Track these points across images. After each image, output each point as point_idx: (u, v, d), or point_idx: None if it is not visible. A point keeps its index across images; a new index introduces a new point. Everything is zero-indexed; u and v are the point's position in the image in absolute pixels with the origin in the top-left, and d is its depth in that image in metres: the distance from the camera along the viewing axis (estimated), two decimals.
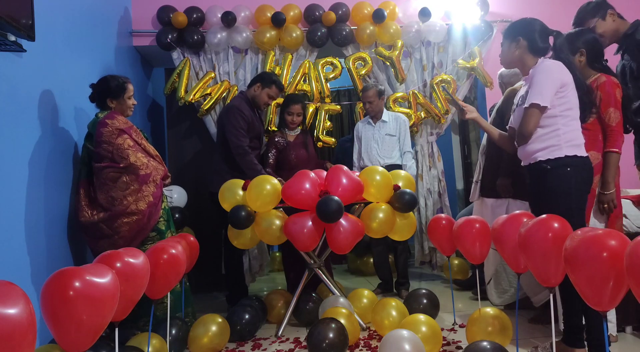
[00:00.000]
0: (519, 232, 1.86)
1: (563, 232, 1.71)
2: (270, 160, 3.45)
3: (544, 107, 2.04)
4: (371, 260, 4.29)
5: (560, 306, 2.23)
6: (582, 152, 2.08)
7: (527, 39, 2.18)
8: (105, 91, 2.65)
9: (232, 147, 3.19)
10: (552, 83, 2.04)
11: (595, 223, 2.36)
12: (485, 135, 2.98)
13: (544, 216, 1.83)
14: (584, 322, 2.05)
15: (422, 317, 2.31)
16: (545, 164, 2.09)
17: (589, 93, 2.20)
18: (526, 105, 2.07)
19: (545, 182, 2.10)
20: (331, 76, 3.96)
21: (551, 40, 2.21)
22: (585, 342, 2.05)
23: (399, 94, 3.98)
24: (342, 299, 2.73)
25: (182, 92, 3.80)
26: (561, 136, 2.07)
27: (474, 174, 3.04)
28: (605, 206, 2.31)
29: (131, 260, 1.75)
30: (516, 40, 2.20)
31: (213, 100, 3.79)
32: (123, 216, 2.47)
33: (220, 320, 2.53)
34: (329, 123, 3.97)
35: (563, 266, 1.70)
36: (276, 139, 3.48)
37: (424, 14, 3.94)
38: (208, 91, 3.80)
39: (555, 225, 1.74)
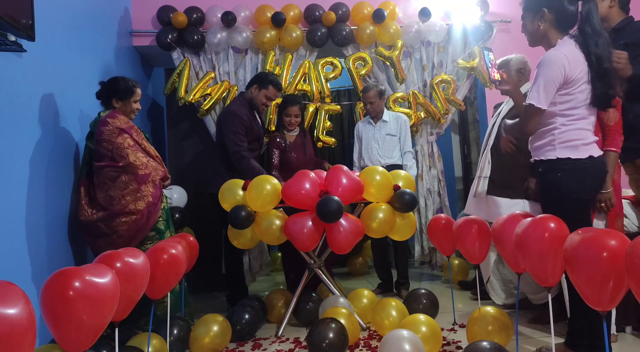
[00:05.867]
0: (515, 232, 1.85)
1: (559, 232, 1.71)
2: (275, 161, 3.43)
3: (538, 108, 1.93)
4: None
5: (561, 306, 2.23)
6: (578, 154, 1.94)
7: (554, 11, 1.93)
8: (114, 91, 2.65)
9: (230, 152, 3.17)
10: (553, 80, 1.90)
11: (596, 223, 2.36)
12: (494, 132, 2.82)
13: (540, 215, 1.83)
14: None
15: (422, 317, 2.31)
16: (539, 165, 2.03)
17: (605, 76, 1.91)
18: (525, 102, 2.00)
19: (540, 185, 2.06)
20: (331, 76, 3.96)
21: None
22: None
23: (399, 94, 3.98)
24: (342, 299, 2.73)
25: (182, 92, 3.80)
26: (556, 136, 1.96)
27: (479, 168, 2.86)
28: (603, 204, 2.29)
29: (131, 260, 1.75)
30: (540, 13, 1.95)
31: (213, 100, 3.79)
32: (121, 215, 2.46)
33: (221, 320, 2.53)
34: (329, 123, 3.97)
35: (561, 266, 1.70)
36: (277, 140, 3.47)
37: (424, 14, 3.94)
38: (208, 91, 3.80)
39: (552, 225, 1.73)
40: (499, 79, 2.20)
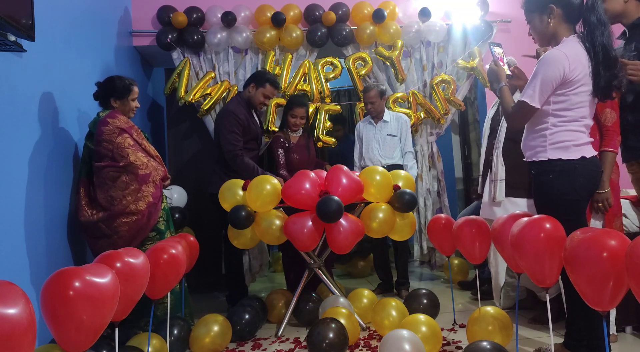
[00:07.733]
0: (511, 232, 1.85)
1: (555, 232, 1.71)
2: (281, 160, 3.42)
3: (532, 107, 1.92)
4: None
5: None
6: (569, 155, 1.92)
7: (561, 5, 1.92)
8: (111, 90, 2.65)
9: (225, 151, 3.17)
10: (550, 80, 1.89)
11: (594, 223, 2.35)
12: (502, 133, 2.78)
13: (536, 216, 1.82)
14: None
15: (422, 317, 2.32)
16: (531, 167, 2.03)
17: (612, 65, 1.89)
18: (519, 99, 1.98)
19: (533, 187, 2.06)
20: (331, 76, 3.96)
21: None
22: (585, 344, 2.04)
23: (398, 94, 3.98)
24: (342, 299, 2.73)
25: (182, 92, 3.79)
26: (547, 137, 1.95)
27: (492, 172, 2.81)
28: (600, 205, 2.29)
29: (131, 260, 1.75)
30: (548, 10, 1.94)
31: (213, 100, 3.79)
32: (122, 215, 2.46)
33: (221, 320, 2.53)
34: (329, 123, 3.97)
35: (558, 266, 1.70)
36: (281, 140, 3.47)
37: (424, 14, 3.94)
38: (208, 91, 3.80)
39: (548, 225, 1.73)
40: (510, 73, 2.16)
